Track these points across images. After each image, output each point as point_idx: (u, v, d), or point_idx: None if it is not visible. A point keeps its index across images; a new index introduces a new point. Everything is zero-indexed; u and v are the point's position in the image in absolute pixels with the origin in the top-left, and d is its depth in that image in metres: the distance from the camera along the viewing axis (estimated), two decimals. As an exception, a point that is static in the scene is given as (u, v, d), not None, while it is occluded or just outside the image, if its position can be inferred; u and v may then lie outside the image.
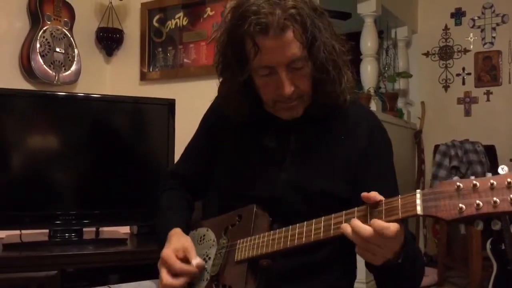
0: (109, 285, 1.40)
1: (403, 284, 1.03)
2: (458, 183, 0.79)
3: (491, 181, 0.77)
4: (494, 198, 0.75)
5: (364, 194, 0.90)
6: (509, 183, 0.75)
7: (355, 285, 1.26)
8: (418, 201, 0.83)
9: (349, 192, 1.13)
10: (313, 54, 1.08)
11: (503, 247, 2.77)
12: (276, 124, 1.19)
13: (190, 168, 1.36)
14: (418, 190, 0.85)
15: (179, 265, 1.09)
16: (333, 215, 0.94)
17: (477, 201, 0.77)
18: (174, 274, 1.10)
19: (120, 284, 1.42)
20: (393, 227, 0.85)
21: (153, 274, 1.35)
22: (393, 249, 0.90)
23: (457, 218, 0.79)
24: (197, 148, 1.36)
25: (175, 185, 1.37)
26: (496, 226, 0.77)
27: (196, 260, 1.10)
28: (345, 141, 1.17)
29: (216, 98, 1.34)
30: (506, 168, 0.77)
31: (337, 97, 1.14)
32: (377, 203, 0.89)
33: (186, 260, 1.11)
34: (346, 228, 0.90)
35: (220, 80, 1.21)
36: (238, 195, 1.19)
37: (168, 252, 1.11)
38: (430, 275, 3.57)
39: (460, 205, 0.78)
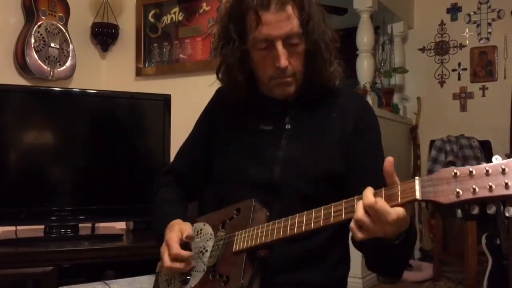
0: (105, 281, 1.40)
1: (391, 264, 1.06)
2: (455, 170, 0.83)
3: (486, 168, 0.81)
4: (490, 183, 0.79)
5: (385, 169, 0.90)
6: (503, 169, 0.79)
7: (351, 279, 1.27)
8: (417, 187, 0.86)
9: (343, 167, 1.18)
10: (308, 32, 1.16)
11: (498, 242, 2.79)
12: (271, 109, 1.24)
13: (186, 165, 1.37)
14: (416, 177, 0.88)
15: (175, 250, 1.11)
16: (332, 204, 0.96)
17: (474, 186, 0.80)
18: (172, 258, 1.12)
19: (116, 280, 1.42)
20: (395, 213, 0.87)
21: (149, 270, 1.36)
22: (386, 231, 0.91)
23: (454, 202, 0.82)
24: (194, 145, 1.38)
25: (170, 182, 1.38)
26: (491, 210, 0.81)
27: (185, 234, 1.12)
28: (337, 120, 1.23)
29: (212, 97, 1.38)
30: (499, 158, 0.81)
31: (327, 78, 1.21)
32: (376, 190, 0.91)
33: (186, 245, 1.14)
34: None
35: (220, 57, 1.26)
36: (236, 181, 1.22)
37: (172, 235, 1.14)
38: (426, 270, 3.59)
39: (458, 189, 0.81)
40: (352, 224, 0.91)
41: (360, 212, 0.89)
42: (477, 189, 0.80)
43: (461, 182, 0.82)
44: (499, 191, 0.78)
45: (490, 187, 0.79)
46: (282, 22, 1.12)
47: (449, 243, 3.80)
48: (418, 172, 4.32)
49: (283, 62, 1.14)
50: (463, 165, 3.50)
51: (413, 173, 4.33)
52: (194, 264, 1.14)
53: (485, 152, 3.69)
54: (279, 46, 1.13)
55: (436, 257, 3.55)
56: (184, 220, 1.23)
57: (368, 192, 0.90)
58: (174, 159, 1.43)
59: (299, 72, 1.19)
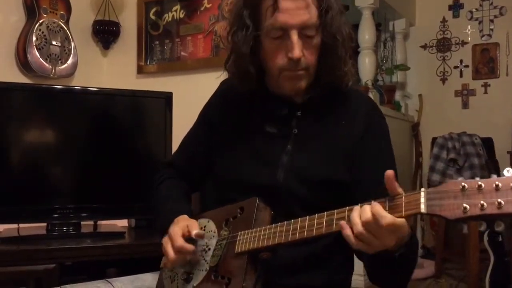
0: (107, 279, 1.41)
1: (393, 277, 1.04)
2: (463, 183, 0.79)
3: (496, 182, 0.76)
4: (499, 199, 0.75)
5: (388, 178, 0.88)
6: None
7: (353, 277, 1.26)
8: (422, 199, 0.83)
9: (349, 177, 1.14)
10: (325, 25, 1.11)
11: (500, 239, 2.78)
12: (277, 110, 1.20)
13: (187, 159, 1.35)
14: (422, 189, 0.85)
15: (179, 242, 1.10)
16: (335, 210, 0.94)
17: (482, 202, 0.76)
18: (176, 251, 1.11)
19: (118, 278, 1.42)
20: (390, 219, 0.85)
21: (151, 267, 1.36)
22: (386, 243, 0.89)
23: (461, 218, 0.79)
24: (195, 138, 1.35)
25: (174, 174, 1.35)
26: (499, 227, 0.77)
27: (195, 231, 1.11)
28: (345, 126, 1.18)
29: (217, 89, 1.35)
30: (511, 170, 0.76)
31: (340, 77, 1.16)
32: (380, 200, 0.89)
33: (191, 239, 1.12)
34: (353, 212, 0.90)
35: (230, 44, 1.21)
36: (238, 183, 1.19)
37: (175, 229, 1.12)
38: (428, 267, 3.58)
39: (465, 205, 0.78)
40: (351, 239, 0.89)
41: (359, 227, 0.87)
42: (485, 205, 0.76)
43: (469, 197, 0.78)
44: (509, 208, 0.74)
45: (499, 203, 0.75)
46: (300, 10, 1.07)
47: (451, 240, 3.79)
48: (420, 169, 4.32)
49: (297, 52, 1.08)
50: (465, 162, 3.51)
51: (415, 170, 4.33)
52: (196, 260, 1.14)
53: (487, 149, 3.68)
54: (294, 36, 1.08)
55: (438, 254, 3.55)
56: (190, 217, 1.22)
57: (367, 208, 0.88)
58: (176, 151, 1.41)
59: (312, 66, 1.13)
